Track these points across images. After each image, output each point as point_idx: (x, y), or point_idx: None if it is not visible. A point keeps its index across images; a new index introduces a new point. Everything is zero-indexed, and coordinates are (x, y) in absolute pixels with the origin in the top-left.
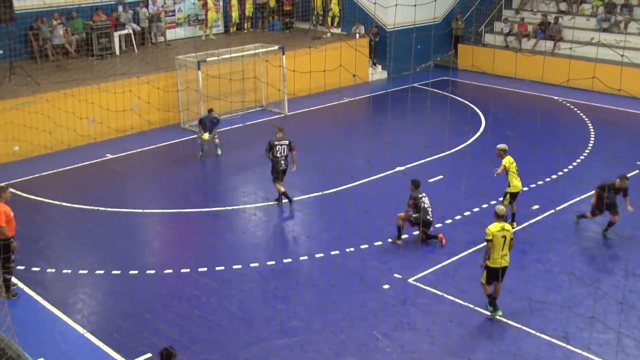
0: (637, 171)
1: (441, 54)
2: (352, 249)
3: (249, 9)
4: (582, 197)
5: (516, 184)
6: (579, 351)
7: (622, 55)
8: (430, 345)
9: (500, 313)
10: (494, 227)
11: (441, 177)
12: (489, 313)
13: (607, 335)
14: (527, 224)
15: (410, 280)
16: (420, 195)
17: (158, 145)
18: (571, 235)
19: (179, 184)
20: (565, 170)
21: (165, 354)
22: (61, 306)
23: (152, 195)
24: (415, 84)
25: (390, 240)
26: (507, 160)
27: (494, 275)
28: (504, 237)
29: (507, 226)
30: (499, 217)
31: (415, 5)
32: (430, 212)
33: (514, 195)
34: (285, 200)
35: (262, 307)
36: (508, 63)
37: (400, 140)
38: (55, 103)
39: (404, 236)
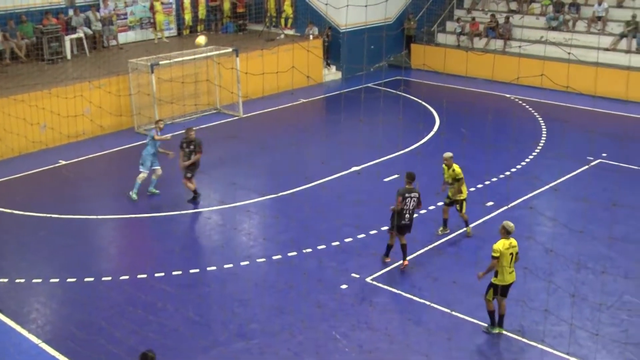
0: (587, 166)
1: (394, 54)
2: (309, 250)
3: (201, 11)
4: (534, 193)
5: (465, 190)
6: (534, 344)
7: (569, 53)
8: (388, 344)
9: (497, 330)
10: (502, 245)
11: (396, 176)
12: (491, 329)
13: (560, 327)
14: (481, 220)
15: (368, 279)
16: (408, 195)
17: (112, 150)
18: (524, 231)
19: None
20: (518, 166)
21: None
22: (14, 316)
23: (106, 201)
24: (369, 84)
25: (385, 259)
26: (459, 169)
27: (499, 291)
28: (512, 253)
29: (514, 242)
30: (508, 234)
31: (366, 6)
32: (406, 217)
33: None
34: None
35: (220, 311)
36: (460, 62)
37: (355, 141)
38: (4, 109)
39: (360, 235)
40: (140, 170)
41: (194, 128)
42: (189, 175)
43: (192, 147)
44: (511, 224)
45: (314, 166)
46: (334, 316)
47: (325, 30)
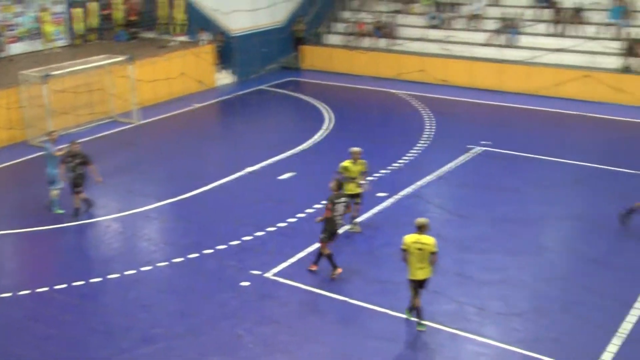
0: (470, 154)
1: (285, 56)
2: (210, 251)
3: (93, 20)
4: (422, 182)
5: None
6: (428, 323)
7: (446, 49)
8: (290, 336)
9: (424, 328)
10: (409, 238)
11: (292, 174)
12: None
13: (450, 305)
14: (375, 210)
15: (268, 275)
16: (337, 200)
17: (4, 165)
18: (414, 218)
19: (30, 203)
20: (405, 158)
21: None
22: None
23: (2, 217)
24: (261, 86)
25: (332, 277)
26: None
27: (414, 286)
28: (420, 249)
29: (426, 239)
30: (417, 229)
31: (253, 10)
32: (338, 223)
33: None
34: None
35: (123, 317)
36: (348, 61)
37: (251, 141)
38: None
39: (259, 233)
40: (52, 188)
41: (78, 141)
42: (78, 189)
43: (77, 160)
44: (420, 220)
45: (210, 169)
46: (236, 314)
47: (216, 35)
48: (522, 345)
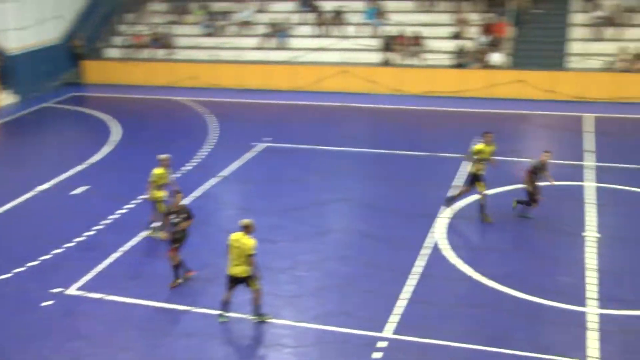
0: (250, 151)
1: (67, 72)
2: (7, 276)
3: None
4: (209, 182)
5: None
6: (236, 315)
7: (216, 55)
8: (99, 347)
9: (226, 319)
10: (234, 235)
11: (85, 187)
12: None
13: (250, 295)
14: None
15: (70, 291)
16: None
17: None
18: (207, 217)
19: None
20: (193, 161)
21: None
22: None
23: None
24: (45, 104)
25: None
26: None
27: (228, 280)
28: (238, 247)
29: (245, 240)
30: (241, 228)
31: (23, 29)
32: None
33: None
34: None
35: None
36: (129, 73)
37: (39, 160)
38: None
39: (57, 250)
40: None
41: None
42: None
43: None
44: (244, 221)
45: None
46: (41, 335)
47: None
48: (317, 320)
